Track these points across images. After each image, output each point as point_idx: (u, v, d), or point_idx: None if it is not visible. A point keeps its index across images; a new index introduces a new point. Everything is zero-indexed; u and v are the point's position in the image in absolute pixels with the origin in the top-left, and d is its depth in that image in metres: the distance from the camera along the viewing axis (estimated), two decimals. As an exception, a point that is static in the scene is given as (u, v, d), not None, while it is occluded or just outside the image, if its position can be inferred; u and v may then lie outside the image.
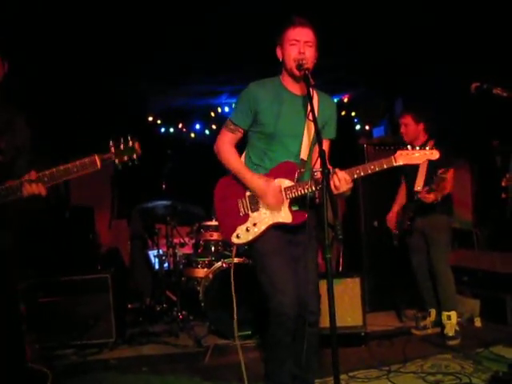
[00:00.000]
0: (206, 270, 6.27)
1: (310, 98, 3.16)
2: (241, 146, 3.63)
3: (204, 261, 6.52)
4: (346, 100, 9.33)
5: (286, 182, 3.43)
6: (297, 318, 3.35)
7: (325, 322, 3.03)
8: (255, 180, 3.45)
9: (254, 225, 3.47)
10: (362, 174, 3.29)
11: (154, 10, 5.40)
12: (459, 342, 5.14)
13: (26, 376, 3.48)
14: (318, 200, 3.46)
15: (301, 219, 3.43)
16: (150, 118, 9.31)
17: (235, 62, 6.83)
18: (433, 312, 5.63)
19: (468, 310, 5.86)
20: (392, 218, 5.75)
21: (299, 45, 3.32)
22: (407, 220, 5.50)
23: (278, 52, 3.47)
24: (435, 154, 3.37)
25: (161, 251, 7.05)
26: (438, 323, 5.48)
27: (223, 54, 6.67)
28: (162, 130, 9.59)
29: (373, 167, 3.28)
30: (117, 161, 3.03)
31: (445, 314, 5.32)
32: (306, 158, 3.50)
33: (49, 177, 2.98)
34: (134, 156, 3.05)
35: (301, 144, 3.49)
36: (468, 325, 5.72)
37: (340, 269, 7.42)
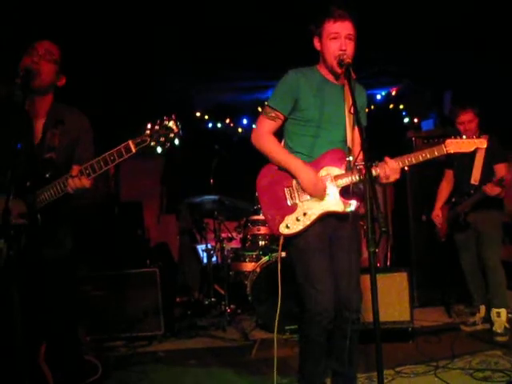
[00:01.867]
0: (253, 264, 6.31)
1: (353, 93, 3.07)
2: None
3: (251, 255, 6.57)
4: (393, 93, 9.23)
5: (336, 171, 3.36)
6: (333, 318, 3.31)
7: (370, 316, 3.01)
8: (304, 170, 3.31)
9: (305, 214, 3.35)
10: (414, 161, 3.27)
11: (199, 10, 5.48)
12: (508, 339, 5.05)
13: (80, 367, 3.55)
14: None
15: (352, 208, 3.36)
16: (198, 114, 9.37)
17: (283, 57, 6.83)
18: (482, 308, 5.54)
19: (520, 307, 5.75)
20: (438, 214, 5.68)
21: (340, 40, 3.26)
22: (463, 215, 5.39)
23: (316, 43, 3.40)
24: (483, 143, 3.38)
25: (209, 245, 7.07)
26: (488, 319, 5.39)
27: (271, 48, 6.67)
28: (210, 125, 9.64)
29: (424, 155, 3.27)
30: (153, 143, 2.78)
31: (494, 310, 5.24)
32: (351, 146, 3.42)
33: (90, 169, 2.87)
34: (171, 135, 2.78)
35: (345, 132, 3.42)
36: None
37: (388, 263, 7.38)
